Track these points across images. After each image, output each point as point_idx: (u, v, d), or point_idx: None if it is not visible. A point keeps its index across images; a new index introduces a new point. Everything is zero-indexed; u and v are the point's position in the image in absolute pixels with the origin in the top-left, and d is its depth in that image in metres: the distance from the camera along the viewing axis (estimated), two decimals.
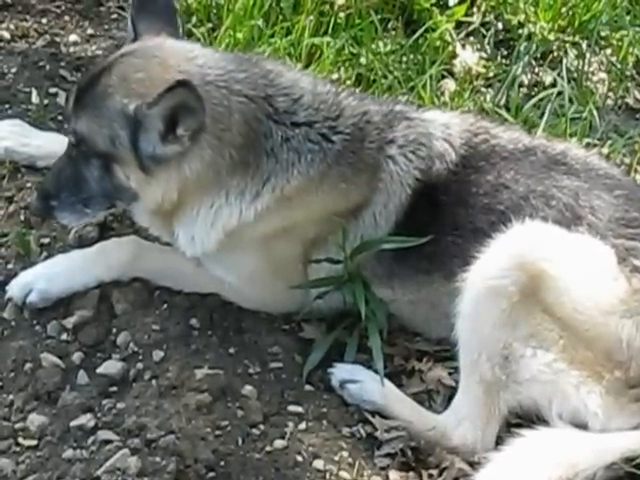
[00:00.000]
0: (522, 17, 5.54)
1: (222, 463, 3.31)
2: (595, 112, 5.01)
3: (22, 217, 3.97)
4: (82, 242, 3.88)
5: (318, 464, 3.40)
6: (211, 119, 3.50)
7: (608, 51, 5.60)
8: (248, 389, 3.55)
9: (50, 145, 4.10)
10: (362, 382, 3.63)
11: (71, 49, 4.82)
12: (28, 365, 3.56)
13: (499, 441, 3.46)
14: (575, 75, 5.36)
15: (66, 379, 3.54)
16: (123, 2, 5.12)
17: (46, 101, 4.45)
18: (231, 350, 3.67)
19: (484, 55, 5.42)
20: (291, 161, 3.65)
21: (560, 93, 5.12)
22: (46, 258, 3.82)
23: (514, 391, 3.49)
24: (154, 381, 3.50)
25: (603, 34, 5.62)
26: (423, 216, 3.75)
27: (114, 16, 5.12)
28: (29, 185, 4.05)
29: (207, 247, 3.69)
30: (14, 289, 3.70)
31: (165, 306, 3.73)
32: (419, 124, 3.86)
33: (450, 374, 3.71)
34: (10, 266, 3.83)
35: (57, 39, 4.85)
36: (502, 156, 3.83)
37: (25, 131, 4.17)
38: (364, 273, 3.79)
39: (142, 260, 3.77)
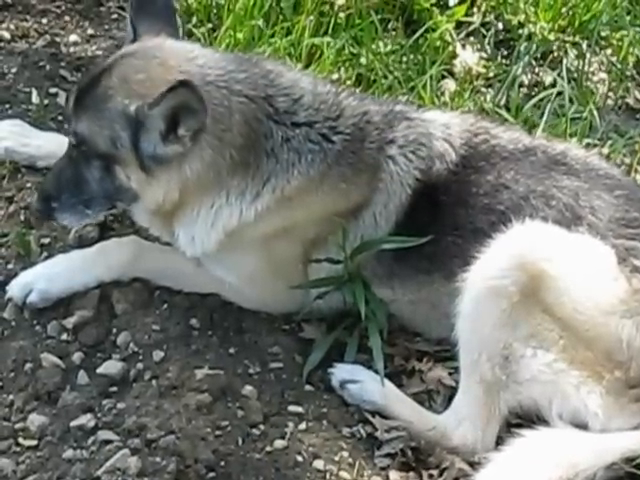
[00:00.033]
0: (522, 17, 5.54)
1: (222, 463, 3.31)
2: (595, 112, 5.01)
3: (22, 217, 3.97)
4: (82, 242, 3.88)
5: (318, 464, 3.40)
6: (212, 119, 3.50)
7: (608, 51, 5.60)
8: (248, 389, 3.55)
9: (50, 145, 4.10)
10: (362, 382, 3.63)
11: (71, 49, 4.82)
12: (28, 365, 3.56)
13: (499, 441, 3.46)
14: (575, 75, 5.36)
15: (66, 379, 3.54)
16: (123, 2, 5.12)
17: (46, 101, 4.45)
18: (231, 350, 3.67)
19: (484, 55, 5.42)
20: (291, 161, 3.65)
21: (560, 93, 5.12)
22: (46, 258, 3.82)
23: (514, 391, 3.49)
24: (154, 381, 3.50)
25: (603, 34, 5.63)
26: (423, 216, 3.75)
27: (114, 16, 5.12)
28: (29, 185, 4.05)
29: (207, 247, 3.69)
30: (14, 289, 3.70)
31: (165, 306, 3.73)
32: (419, 124, 3.86)
33: (450, 374, 3.71)
34: (10, 266, 3.83)
35: (57, 39, 4.85)
36: (502, 156, 3.83)
37: (25, 131, 4.17)
38: (364, 273, 3.79)
39: (142, 260, 3.77)
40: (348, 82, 4.84)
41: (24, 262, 3.83)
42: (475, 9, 5.55)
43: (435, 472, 3.46)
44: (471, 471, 3.42)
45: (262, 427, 3.47)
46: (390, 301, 3.82)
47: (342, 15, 5.14)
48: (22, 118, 4.27)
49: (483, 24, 5.52)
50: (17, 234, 3.87)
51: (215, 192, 3.62)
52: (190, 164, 3.55)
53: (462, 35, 5.40)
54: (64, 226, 3.83)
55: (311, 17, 4.98)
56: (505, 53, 5.49)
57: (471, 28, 5.46)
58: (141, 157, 3.50)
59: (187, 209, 3.65)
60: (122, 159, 3.51)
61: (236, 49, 4.73)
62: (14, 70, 4.58)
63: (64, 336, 3.65)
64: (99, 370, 3.56)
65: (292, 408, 3.56)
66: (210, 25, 5.06)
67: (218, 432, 3.39)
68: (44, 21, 4.97)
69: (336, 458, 3.43)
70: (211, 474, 3.28)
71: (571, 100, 5.10)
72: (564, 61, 5.40)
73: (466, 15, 5.44)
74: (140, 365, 3.56)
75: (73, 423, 3.39)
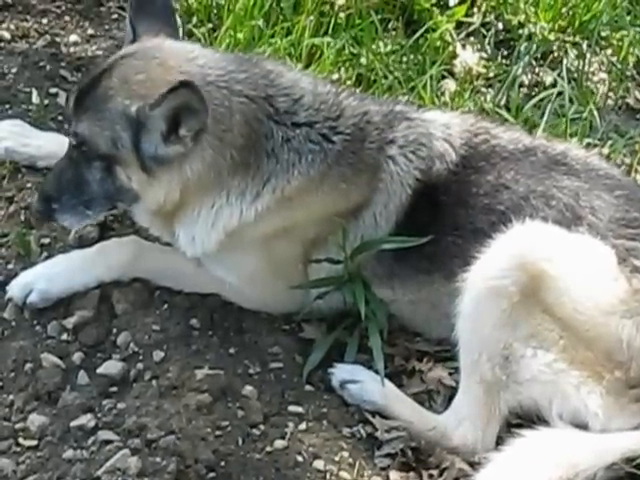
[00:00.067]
0: (522, 17, 5.54)
1: (222, 463, 3.31)
2: (595, 112, 5.01)
3: (22, 217, 3.97)
4: (82, 242, 3.88)
5: (318, 464, 3.40)
6: (212, 120, 3.50)
7: (608, 51, 5.61)
8: (248, 389, 3.55)
9: (50, 145, 4.10)
10: (362, 382, 3.63)
11: (71, 49, 4.82)
12: (28, 365, 3.56)
13: (499, 441, 3.46)
14: (575, 75, 5.37)
15: (66, 379, 3.54)
16: (123, 2, 5.12)
17: (46, 101, 4.45)
18: (231, 350, 3.67)
19: (484, 55, 5.42)
20: (292, 161, 3.65)
21: (560, 93, 5.12)
22: (46, 258, 3.82)
23: (514, 391, 3.49)
24: (154, 381, 3.50)
25: (603, 34, 5.63)
26: (423, 216, 3.75)
27: (114, 16, 5.12)
28: (29, 185, 4.05)
29: (208, 247, 3.69)
30: (14, 289, 3.70)
31: (165, 306, 3.73)
32: (419, 124, 3.86)
33: (450, 374, 3.71)
34: (10, 266, 3.83)
35: (57, 39, 4.85)
36: (502, 156, 3.83)
37: (25, 131, 4.17)
38: (364, 273, 3.79)
39: (142, 260, 3.77)
40: (348, 82, 4.84)
41: (24, 262, 3.83)
42: (475, 9, 5.56)
43: (435, 472, 3.46)
44: (471, 471, 3.42)
45: (262, 427, 3.47)
46: (390, 301, 3.82)
47: (342, 15, 5.14)
48: (22, 118, 4.27)
49: (483, 24, 5.52)
50: (17, 234, 3.88)
51: (216, 192, 3.63)
52: (191, 164, 3.55)
53: (462, 35, 5.41)
54: (64, 227, 3.83)
55: (311, 17, 4.98)
56: (505, 53, 5.49)
57: (471, 28, 5.46)
58: (142, 158, 3.50)
59: (187, 209, 3.65)
60: (123, 160, 3.51)
61: (236, 49, 4.73)
62: (14, 70, 4.58)
63: (64, 336, 3.65)
64: (99, 370, 3.56)
65: (292, 408, 3.56)
66: (210, 25, 5.06)
67: (218, 432, 3.39)
68: (44, 21, 4.97)
69: (336, 458, 3.43)
70: (211, 474, 3.28)
71: (571, 100, 5.10)
72: (564, 61, 5.40)
73: (466, 15, 5.44)
74: (140, 365, 3.56)
75: (73, 423, 3.39)
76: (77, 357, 3.60)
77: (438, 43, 5.22)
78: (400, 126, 3.84)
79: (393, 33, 5.29)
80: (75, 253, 3.80)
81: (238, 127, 3.59)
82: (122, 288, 3.74)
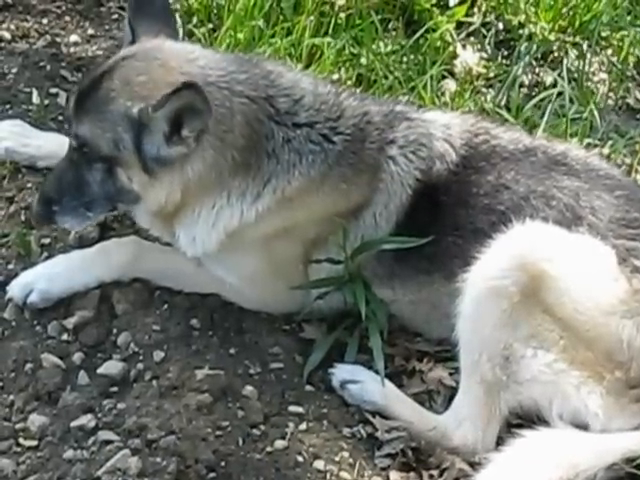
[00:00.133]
0: (523, 17, 5.55)
1: (223, 463, 3.31)
2: (596, 112, 5.01)
3: (23, 217, 3.97)
4: (82, 242, 3.88)
5: (319, 464, 3.40)
6: (213, 120, 3.49)
7: (609, 51, 5.61)
8: (249, 389, 3.55)
9: (51, 145, 4.10)
10: (363, 382, 3.63)
11: (72, 49, 4.82)
12: (29, 365, 3.56)
13: (500, 441, 3.46)
14: (576, 75, 5.37)
15: (67, 379, 3.54)
16: (124, 2, 5.11)
17: (47, 101, 4.45)
18: (232, 350, 3.67)
19: (485, 55, 5.42)
20: (292, 162, 3.65)
21: (561, 93, 5.12)
22: (47, 258, 3.83)
23: (515, 391, 3.49)
24: (155, 381, 3.50)
25: (604, 34, 5.63)
26: (424, 216, 3.75)
27: (115, 16, 5.12)
28: (30, 185, 4.06)
29: (208, 247, 3.69)
30: (15, 289, 3.70)
31: (166, 306, 3.73)
32: (420, 124, 3.87)
33: (451, 374, 3.71)
34: (11, 266, 3.83)
35: (58, 39, 4.85)
36: (503, 157, 3.83)
37: (26, 131, 4.17)
38: (365, 273, 3.79)
39: (143, 260, 3.77)
40: (348, 82, 4.84)
41: (24, 262, 3.83)
42: (475, 9, 5.56)
43: (435, 472, 3.46)
44: (471, 471, 3.42)
45: (262, 427, 3.47)
46: (390, 301, 3.82)
47: (342, 15, 5.15)
48: (22, 118, 4.27)
49: (483, 24, 5.52)
50: (18, 234, 3.88)
51: (216, 193, 3.63)
52: (192, 165, 3.55)
53: (462, 35, 5.41)
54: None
55: (311, 17, 4.98)
56: (505, 53, 5.49)
57: (471, 28, 5.46)
58: (144, 159, 3.49)
59: (188, 210, 3.65)
60: (124, 161, 3.51)
61: (236, 50, 4.73)
62: (15, 70, 4.58)
63: (64, 336, 3.65)
64: (99, 370, 3.56)
65: (292, 408, 3.57)
66: (210, 25, 5.06)
67: (218, 432, 3.39)
68: (44, 21, 4.97)
69: (336, 458, 3.43)
70: (211, 474, 3.29)
71: (571, 100, 5.10)
72: (564, 61, 5.40)
73: (466, 15, 5.45)
74: (140, 365, 3.56)
75: (73, 423, 3.39)
76: (77, 357, 3.60)
77: (438, 43, 5.22)
78: (400, 126, 3.84)
79: (393, 33, 5.29)
80: (75, 253, 3.80)
81: (239, 128, 3.59)
82: (122, 288, 3.74)
